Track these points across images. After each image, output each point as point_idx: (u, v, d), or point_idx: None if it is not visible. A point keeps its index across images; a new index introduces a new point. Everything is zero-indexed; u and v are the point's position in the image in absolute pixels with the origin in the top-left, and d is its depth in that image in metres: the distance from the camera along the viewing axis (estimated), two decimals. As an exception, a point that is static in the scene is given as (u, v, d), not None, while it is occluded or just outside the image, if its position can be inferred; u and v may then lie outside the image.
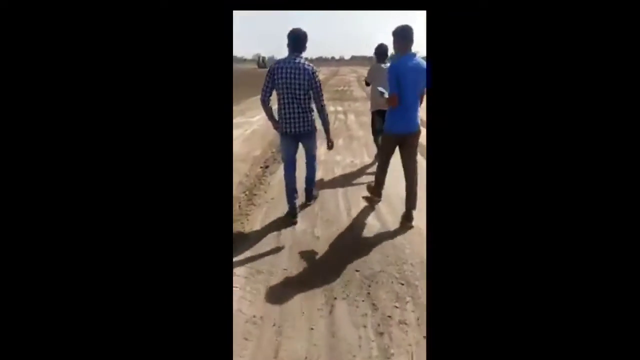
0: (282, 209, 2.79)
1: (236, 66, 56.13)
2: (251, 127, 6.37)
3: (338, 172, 3.78)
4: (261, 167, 3.87)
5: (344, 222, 2.60)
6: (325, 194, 3.13)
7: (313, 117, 2.45)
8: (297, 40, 2.31)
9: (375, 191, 2.79)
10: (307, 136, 2.48)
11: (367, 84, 3.80)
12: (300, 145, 2.56)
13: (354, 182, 3.47)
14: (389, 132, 2.45)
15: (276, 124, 2.46)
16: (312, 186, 2.86)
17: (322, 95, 2.41)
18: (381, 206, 2.86)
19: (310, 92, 2.34)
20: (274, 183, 3.40)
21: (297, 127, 2.39)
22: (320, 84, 2.38)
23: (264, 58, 48.46)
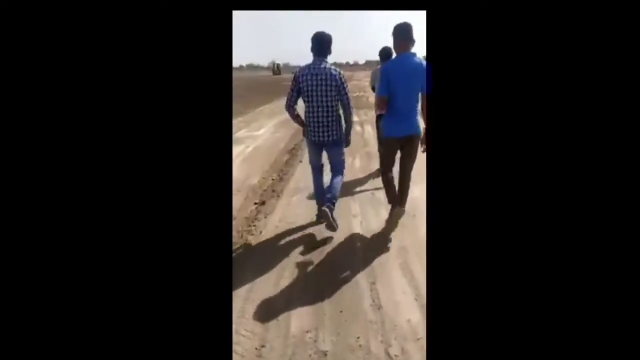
0: (272, 283, 1.88)
1: (251, 73, 56.18)
2: (255, 142, 5.56)
3: (355, 208, 2.84)
4: (255, 204, 2.98)
5: (365, 310, 1.65)
6: (336, 254, 2.20)
7: (340, 125, 2.32)
8: (321, 44, 2.19)
9: (394, 201, 2.43)
10: (332, 145, 2.33)
11: (374, 89, 3.43)
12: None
13: (376, 226, 2.51)
14: (388, 136, 2.30)
15: (305, 129, 2.35)
16: (335, 193, 2.40)
17: (351, 103, 2.27)
18: (419, 273, 1.91)
19: (338, 99, 2.21)
20: (267, 231, 2.49)
21: (322, 136, 2.27)
22: (348, 91, 2.23)
23: (278, 65, 48.14)
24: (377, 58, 3.35)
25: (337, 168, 2.43)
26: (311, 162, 2.48)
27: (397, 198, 2.39)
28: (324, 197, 2.35)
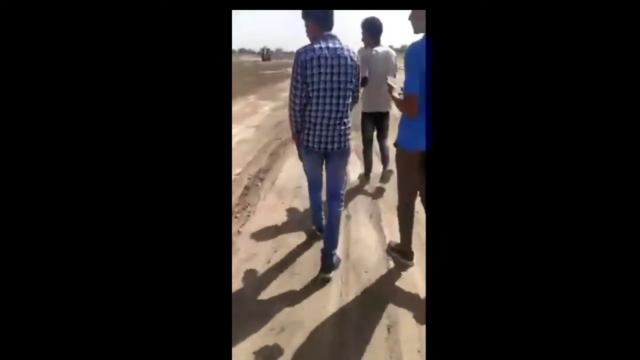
0: None
1: (237, 58, 51.18)
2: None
3: None
4: None
5: None
6: None
7: (350, 131, 1.73)
8: (327, 15, 1.59)
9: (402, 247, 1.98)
10: (337, 156, 1.74)
11: (365, 82, 2.63)
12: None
13: None
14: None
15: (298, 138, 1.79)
16: (333, 246, 1.82)
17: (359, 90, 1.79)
18: None
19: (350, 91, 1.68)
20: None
21: (327, 143, 1.67)
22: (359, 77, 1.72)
23: (268, 50, 44.50)
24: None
25: (337, 189, 1.80)
26: (310, 177, 1.92)
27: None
28: (321, 215, 2.08)
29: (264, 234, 2.28)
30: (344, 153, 1.74)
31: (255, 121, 6.07)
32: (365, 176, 3.17)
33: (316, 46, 1.55)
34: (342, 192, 1.83)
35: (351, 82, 1.61)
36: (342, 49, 1.57)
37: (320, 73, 1.54)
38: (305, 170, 1.91)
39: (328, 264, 1.80)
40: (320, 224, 2.17)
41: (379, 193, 2.95)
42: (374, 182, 3.14)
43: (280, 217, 2.51)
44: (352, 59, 1.59)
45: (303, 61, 1.54)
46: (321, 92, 1.58)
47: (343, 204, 1.87)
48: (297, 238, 2.25)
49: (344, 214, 2.33)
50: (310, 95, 1.60)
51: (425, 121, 1.47)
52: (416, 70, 1.48)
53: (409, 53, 1.52)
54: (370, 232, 2.34)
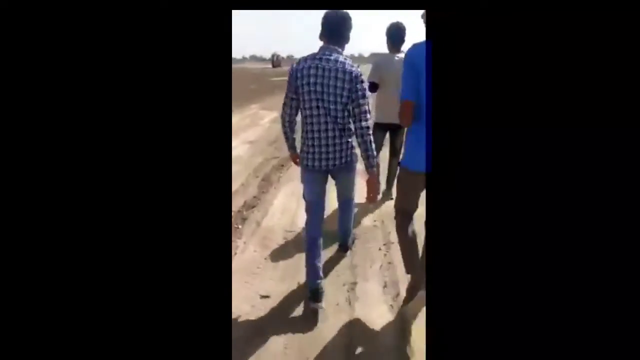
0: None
1: (250, 65, 50.65)
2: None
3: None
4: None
5: None
6: None
7: (353, 144, 1.59)
8: (334, 26, 1.49)
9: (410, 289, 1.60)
10: (343, 171, 1.63)
11: (374, 88, 2.46)
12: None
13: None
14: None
15: (295, 156, 1.72)
16: (349, 236, 2.05)
17: (368, 112, 1.49)
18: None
19: (350, 105, 1.51)
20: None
21: (328, 160, 1.55)
22: (366, 95, 1.48)
23: (278, 56, 44.25)
24: (384, 50, 2.56)
25: (348, 196, 1.80)
26: (308, 197, 1.65)
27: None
28: (318, 259, 1.62)
29: (234, 312, 1.61)
30: (349, 167, 1.63)
31: (253, 135, 5.44)
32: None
33: (313, 57, 1.49)
34: (352, 198, 1.86)
35: (345, 96, 1.46)
36: (336, 61, 1.45)
37: (309, 83, 1.45)
38: (304, 195, 1.69)
39: (344, 246, 2.09)
40: (316, 285, 1.58)
41: (392, 242, 2.25)
42: (387, 225, 2.45)
43: (261, 283, 1.83)
44: (345, 72, 1.44)
45: (294, 71, 1.49)
46: (313, 102, 1.48)
47: (355, 205, 1.97)
48: (280, 321, 1.57)
49: (346, 275, 1.66)
50: (304, 108, 1.52)
51: (425, 138, 1.31)
52: (411, 75, 1.36)
53: (406, 56, 1.40)
54: (385, 314, 1.64)
